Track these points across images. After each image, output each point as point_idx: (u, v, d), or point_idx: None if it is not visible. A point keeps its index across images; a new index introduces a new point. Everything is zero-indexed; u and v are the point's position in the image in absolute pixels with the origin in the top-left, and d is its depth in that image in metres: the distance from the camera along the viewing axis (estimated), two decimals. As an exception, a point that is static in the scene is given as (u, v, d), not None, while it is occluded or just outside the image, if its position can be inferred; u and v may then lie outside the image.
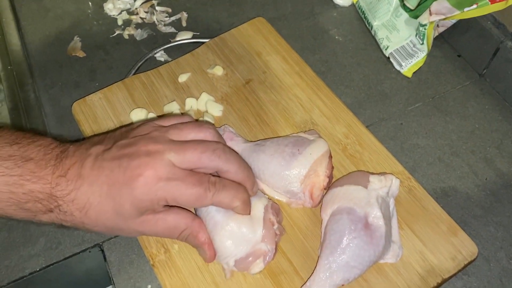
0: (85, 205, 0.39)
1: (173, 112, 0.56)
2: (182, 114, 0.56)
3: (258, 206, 0.44)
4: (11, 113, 0.60)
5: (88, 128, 0.56)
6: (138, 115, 0.56)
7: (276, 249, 0.45)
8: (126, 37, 0.67)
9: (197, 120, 0.54)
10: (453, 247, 0.47)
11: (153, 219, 0.41)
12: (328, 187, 0.49)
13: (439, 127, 0.58)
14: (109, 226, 0.41)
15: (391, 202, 0.48)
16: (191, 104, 0.57)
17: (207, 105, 0.56)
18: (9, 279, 0.48)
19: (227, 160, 0.42)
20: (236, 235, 0.43)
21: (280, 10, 0.70)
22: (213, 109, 0.56)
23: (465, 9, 0.56)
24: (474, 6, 0.56)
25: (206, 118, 0.55)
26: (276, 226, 0.45)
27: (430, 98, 0.60)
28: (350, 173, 0.51)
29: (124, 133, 0.44)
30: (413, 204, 0.50)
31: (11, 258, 0.49)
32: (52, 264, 0.49)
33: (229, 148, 0.44)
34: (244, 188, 0.44)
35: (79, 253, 0.50)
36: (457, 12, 0.57)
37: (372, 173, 0.49)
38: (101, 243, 0.50)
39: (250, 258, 0.44)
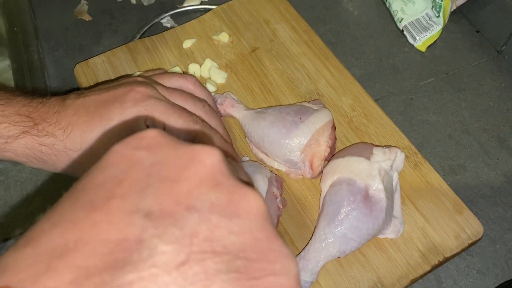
0: (69, 125, 0.37)
1: (175, 77, 0.55)
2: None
3: (262, 178, 0.43)
4: (14, 74, 0.59)
5: (89, 90, 0.55)
6: (139, 78, 0.54)
7: (277, 222, 0.44)
8: (134, 2, 0.66)
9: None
10: (457, 225, 0.45)
11: None
12: (330, 158, 0.47)
13: (451, 103, 0.55)
14: (94, 149, 0.38)
15: (395, 176, 0.46)
16: (194, 70, 0.56)
17: (210, 71, 0.55)
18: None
19: (210, 113, 0.43)
20: None
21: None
22: (216, 76, 0.55)
23: (486, -21, 0.53)
24: (495, -24, 0.53)
25: (209, 85, 0.54)
26: (279, 199, 0.44)
27: (444, 74, 0.58)
28: (353, 144, 0.49)
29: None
30: (418, 180, 0.48)
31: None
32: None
33: (211, 106, 0.45)
34: (227, 139, 0.44)
35: None
36: (477, -18, 0.54)
37: (377, 146, 0.47)
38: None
39: None
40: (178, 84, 0.45)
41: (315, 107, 0.49)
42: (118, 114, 0.38)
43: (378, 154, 0.45)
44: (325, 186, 0.45)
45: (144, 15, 0.64)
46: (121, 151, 0.22)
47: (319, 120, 0.47)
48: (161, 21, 0.63)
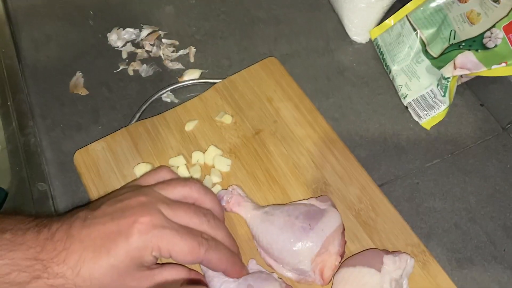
0: (78, 263, 0.37)
1: (178, 167, 0.54)
2: (186, 167, 0.54)
3: None
4: (10, 156, 0.58)
5: (90, 181, 0.54)
6: (142, 170, 0.53)
7: None
8: (131, 73, 0.64)
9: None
10: (467, 332, 0.45)
11: (150, 274, 0.40)
12: (340, 263, 0.47)
13: (457, 188, 0.55)
14: (104, 284, 0.39)
15: (405, 282, 0.46)
16: (197, 158, 0.54)
17: (214, 160, 0.54)
18: None
19: (216, 226, 0.43)
20: None
21: (293, 45, 0.66)
22: (221, 165, 0.54)
23: (493, 67, 0.53)
24: (503, 64, 0.52)
25: (213, 174, 0.53)
26: None
27: (449, 154, 0.57)
28: (363, 251, 0.48)
29: (111, 194, 0.44)
30: (427, 282, 0.47)
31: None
32: None
33: (217, 217, 0.44)
34: (233, 252, 0.44)
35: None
36: (484, 69, 0.53)
37: (386, 252, 0.46)
38: None
39: None
40: (182, 194, 0.44)
41: (323, 206, 0.48)
42: (124, 249, 0.38)
43: (389, 264, 0.45)
44: (336, 298, 0.45)
45: (143, 88, 0.63)
46: None
47: (329, 226, 0.46)
48: (161, 96, 0.61)
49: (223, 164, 0.54)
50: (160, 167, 0.49)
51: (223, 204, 0.50)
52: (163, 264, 0.43)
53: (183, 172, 0.53)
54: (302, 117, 0.58)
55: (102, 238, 0.38)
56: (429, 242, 0.52)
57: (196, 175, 0.53)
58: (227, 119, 0.57)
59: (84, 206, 0.42)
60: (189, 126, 0.57)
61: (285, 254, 0.46)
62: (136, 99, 0.61)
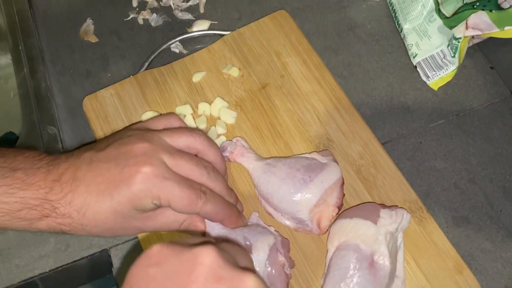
0: (83, 206, 0.39)
1: (185, 116, 0.55)
2: (193, 118, 0.55)
3: (262, 248, 0.43)
4: (21, 101, 0.59)
5: (98, 127, 0.55)
6: (149, 118, 0.54)
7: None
8: (141, 22, 0.64)
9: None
10: (456, 286, 0.47)
11: (153, 215, 0.42)
12: (338, 215, 0.48)
13: (459, 149, 0.56)
14: (109, 225, 0.41)
15: (400, 236, 0.47)
16: (204, 109, 0.55)
17: (220, 112, 0.55)
18: (20, 278, 0.50)
19: (215, 179, 0.44)
20: None
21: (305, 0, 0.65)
22: (226, 116, 0.55)
23: (506, 28, 0.52)
24: (516, 25, 0.51)
25: (218, 126, 0.54)
26: (286, 265, 0.45)
27: (455, 115, 0.57)
28: (361, 204, 0.49)
29: (117, 134, 0.45)
30: (422, 237, 0.49)
31: (22, 257, 0.51)
32: (61, 266, 0.51)
33: (217, 170, 0.46)
34: (230, 204, 0.45)
35: (87, 257, 0.51)
36: (496, 30, 0.52)
37: (383, 206, 0.47)
38: (108, 249, 0.51)
39: None
40: (186, 144, 0.44)
41: (324, 160, 0.49)
42: (126, 196, 0.40)
43: (385, 218, 0.46)
44: (331, 247, 0.46)
45: (152, 38, 0.63)
46: (137, 272, 0.30)
47: (328, 179, 0.47)
48: (170, 46, 0.62)
49: (229, 116, 0.55)
50: (170, 113, 0.50)
51: (227, 154, 0.51)
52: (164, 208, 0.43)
53: (189, 121, 0.54)
54: (309, 72, 0.58)
55: (106, 183, 0.40)
56: (427, 200, 0.53)
57: (202, 125, 0.54)
58: (234, 72, 0.57)
59: (91, 144, 0.43)
60: (197, 77, 0.57)
61: (285, 204, 0.47)
62: (145, 48, 0.62)
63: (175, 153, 0.43)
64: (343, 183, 0.49)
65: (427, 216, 0.50)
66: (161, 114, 0.55)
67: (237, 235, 0.45)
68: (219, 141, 0.53)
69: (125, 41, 0.63)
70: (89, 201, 0.39)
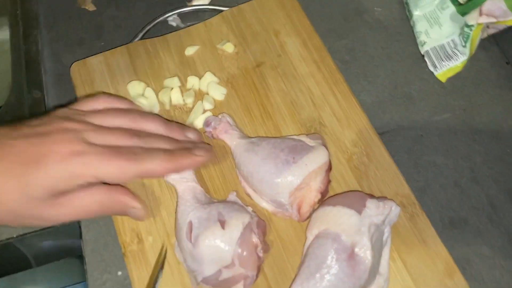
0: None
1: (172, 89, 0.52)
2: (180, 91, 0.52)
3: (236, 225, 0.40)
4: (13, 64, 0.58)
5: (83, 93, 0.53)
6: (135, 88, 0.52)
7: (258, 273, 0.42)
8: (141, -7, 0.62)
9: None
10: (445, 290, 0.43)
11: (65, 200, 0.37)
12: (321, 202, 0.45)
13: (464, 145, 0.51)
14: (16, 210, 0.36)
15: (386, 230, 0.43)
16: (193, 82, 0.53)
17: (209, 86, 0.52)
18: (-13, 242, 0.48)
19: (144, 120, 0.41)
20: (206, 252, 0.40)
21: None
22: (215, 92, 0.52)
23: (522, 15, 0.47)
24: (534, 13, 0.47)
25: (206, 101, 0.51)
26: (259, 248, 0.42)
27: (462, 110, 0.53)
28: (346, 192, 0.46)
29: (39, 116, 0.41)
30: (412, 234, 0.45)
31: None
32: (29, 233, 0.49)
33: (146, 112, 0.42)
34: (172, 152, 0.41)
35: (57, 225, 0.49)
36: (512, 17, 0.48)
37: (371, 196, 0.44)
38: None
39: (227, 280, 0.41)
40: (114, 124, 0.41)
41: (312, 143, 0.46)
42: (40, 180, 0.36)
43: (371, 208, 0.42)
44: (310, 235, 0.43)
45: (150, 9, 0.61)
46: None
47: (313, 162, 0.44)
48: (167, 19, 0.59)
49: (218, 92, 0.52)
50: (100, 94, 0.46)
51: (210, 129, 0.48)
52: (88, 186, 0.38)
53: (176, 95, 0.52)
54: (308, 54, 0.54)
55: (17, 163, 0.36)
56: (423, 196, 0.49)
57: (189, 99, 0.52)
58: (229, 48, 0.55)
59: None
60: (190, 51, 0.55)
61: (265, 185, 0.44)
62: (142, 19, 0.60)
63: (98, 128, 0.39)
64: (329, 168, 0.45)
65: (420, 213, 0.46)
66: (146, 87, 0.52)
67: (211, 209, 0.42)
68: (204, 117, 0.50)
69: (123, 11, 0.61)
70: None
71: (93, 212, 0.39)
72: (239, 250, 0.40)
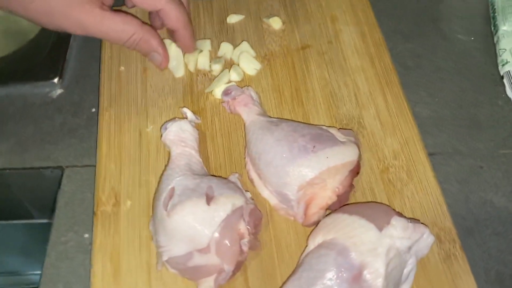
0: None
1: (201, 51, 0.46)
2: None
3: (223, 205, 0.33)
4: None
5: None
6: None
7: (237, 269, 0.34)
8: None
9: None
10: None
11: (100, 14, 0.38)
12: (335, 208, 0.36)
13: (534, 191, 0.41)
14: (51, 5, 0.37)
15: (411, 262, 0.33)
16: (225, 50, 0.46)
17: (241, 57, 0.45)
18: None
19: None
20: (181, 226, 0.33)
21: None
22: (247, 64, 0.45)
23: None
24: None
25: (233, 72, 0.45)
26: (245, 239, 0.34)
27: (539, 149, 0.43)
28: (371, 202, 0.37)
29: None
30: (443, 278, 0.35)
31: (-25, 147, 0.45)
32: (10, 169, 0.44)
33: None
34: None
35: (39, 168, 0.44)
36: None
37: (400, 214, 0.34)
38: (64, 167, 0.43)
39: (196, 269, 0.33)
40: None
41: (342, 138, 0.38)
42: None
43: (397, 228, 0.33)
44: (312, 243, 0.34)
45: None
46: None
47: (337, 157, 0.36)
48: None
49: (250, 66, 0.45)
50: None
51: (228, 99, 0.42)
52: (117, 11, 0.40)
53: (203, 60, 0.46)
54: (364, 47, 0.47)
55: None
56: (467, 238, 0.38)
57: (216, 66, 0.45)
58: (276, 23, 0.48)
59: None
60: (232, 19, 0.49)
61: (272, 170, 0.36)
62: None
63: None
64: (356, 172, 0.37)
65: (460, 254, 0.36)
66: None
67: (202, 181, 0.35)
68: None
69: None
70: None
71: (120, 39, 0.40)
72: (219, 235, 0.32)
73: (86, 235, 0.40)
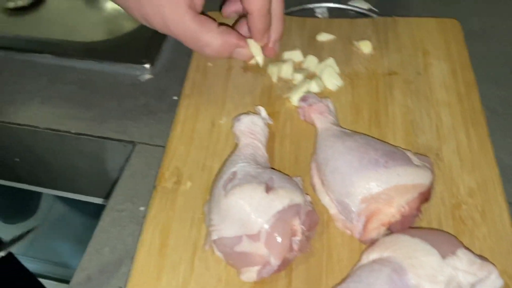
0: None
1: (291, 61, 0.47)
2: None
3: (282, 197, 0.32)
4: None
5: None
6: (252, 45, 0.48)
7: (283, 266, 0.33)
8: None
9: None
10: None
11: (193, 21, 0.40)
12: (396, 231, 0.34)
13: None
14: (162, 8, 0.39)
15: (471, 303, 0.30)
16: (310, 63, 0.47)
17: (324, 71, 0.45)
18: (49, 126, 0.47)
19: None
20: (235, 208, 0.32)
21: (492, 19, 0.54)
22: (329, 79, 0.45)
23: None
24: None
25: (314, 83, 0.45)
26: (298, 237, 0.33)
27: None
28: (436, 229, 0.34)
29: None
30: (508, 332, 0.31)
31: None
32: (87, 135, 0.46)
33: None
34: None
35: (113, 140, 0.46)
36: None
37: (467, 248, 0.32)
38: (137, 143, 0.45)
39: (243, 255, 0.32)
40: None
41: (417, 162, 0.36)
42: None
43: (462, 260, 0.30)
44: (366, 258, 0.32)
45: (303, -4, 0.58)
46: None
47: (408, 177, 0.34)
48: (315, 9, 0.56)
49: (332, 81, 0.45)
50: None
51: (304, 105, 0.41)
52: None
53: (287, 68, 0.46)
54: (454, 83, 0.45)
55: None
56: (541, 299, 0.34)
57: (298, 76, 0.46)
58: (366, 47, 0.48)
59: None
60: (322, 37, 0.50)
61: (338, 177, 0.35)
62: (291, 2, 0.57)
63: None
64: (426, 198, 0.35)
65: (530, 311, 0.32)
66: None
67: (265, 172, 0.34)
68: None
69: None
70: None
71: (204, 52, 0.42)
72: (272, 225, 0.31)
73: (142, 208, 0.40)
